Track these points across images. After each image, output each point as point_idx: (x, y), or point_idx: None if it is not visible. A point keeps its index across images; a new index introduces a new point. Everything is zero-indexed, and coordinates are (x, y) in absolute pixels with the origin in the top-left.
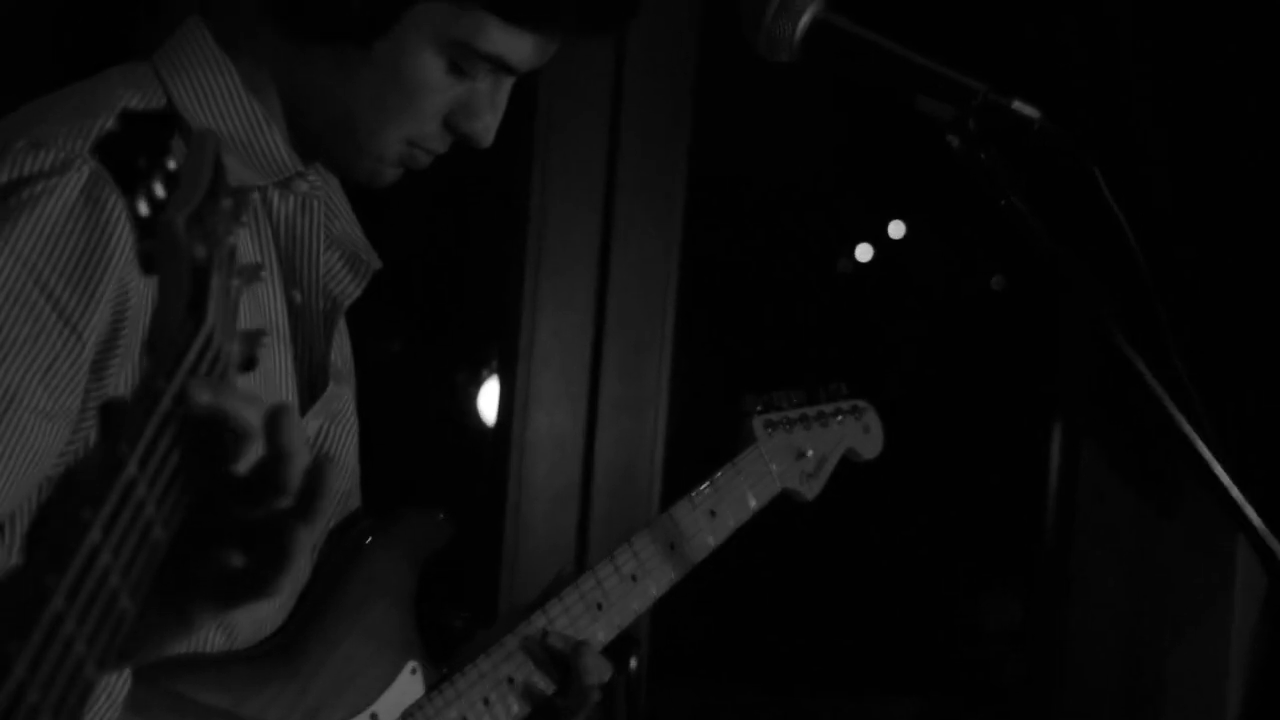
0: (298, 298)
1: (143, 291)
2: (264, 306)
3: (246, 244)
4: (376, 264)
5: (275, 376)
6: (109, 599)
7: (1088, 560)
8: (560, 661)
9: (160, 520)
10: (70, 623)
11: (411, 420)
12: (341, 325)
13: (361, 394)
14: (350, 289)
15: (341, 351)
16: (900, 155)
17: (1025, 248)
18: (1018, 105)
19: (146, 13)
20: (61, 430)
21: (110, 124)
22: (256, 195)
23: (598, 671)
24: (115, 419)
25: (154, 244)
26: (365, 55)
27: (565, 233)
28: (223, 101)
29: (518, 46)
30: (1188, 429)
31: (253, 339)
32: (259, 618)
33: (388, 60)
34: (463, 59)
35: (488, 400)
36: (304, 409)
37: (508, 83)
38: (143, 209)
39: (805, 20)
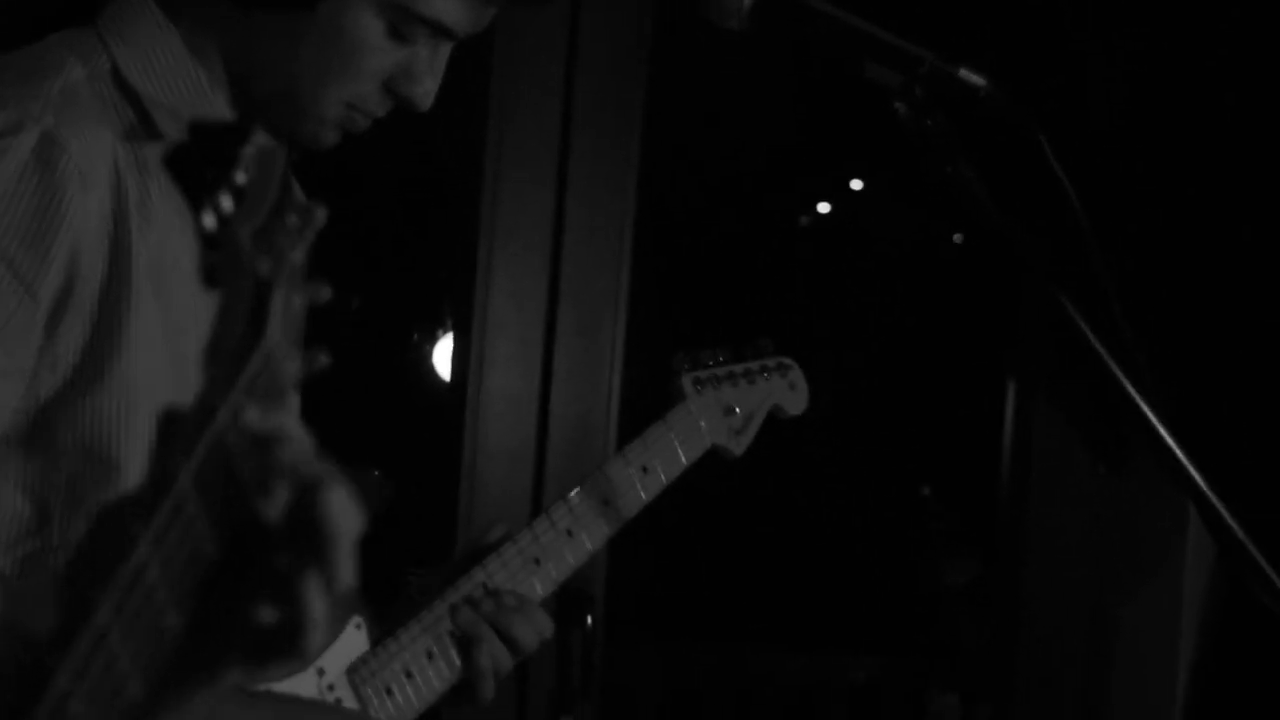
0: None
1: (95, 249)
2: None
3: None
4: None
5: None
6: (154, 614)
7: (1043, 518)
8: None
9: (207, 539)
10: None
11: (368, 379)
12: None
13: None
14: None
15: None
16: (860, 112)
17: (970, 213)
18: (964, 73)
19: None
20: (16, 387)
21: (59, 86)
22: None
23: (538, 628)
24: (172, 431)
25: (218, 257)
26: (307, 19)
27: (520, 194)
28: (165, 66)
29: (456, 10)
30: (1132, 392)
31: (312, 359)
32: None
33: (329, 23)
34: (402, 22)
35: (442, 357)
36: None
37: (446, 48)
38: (208, 222)
39: None
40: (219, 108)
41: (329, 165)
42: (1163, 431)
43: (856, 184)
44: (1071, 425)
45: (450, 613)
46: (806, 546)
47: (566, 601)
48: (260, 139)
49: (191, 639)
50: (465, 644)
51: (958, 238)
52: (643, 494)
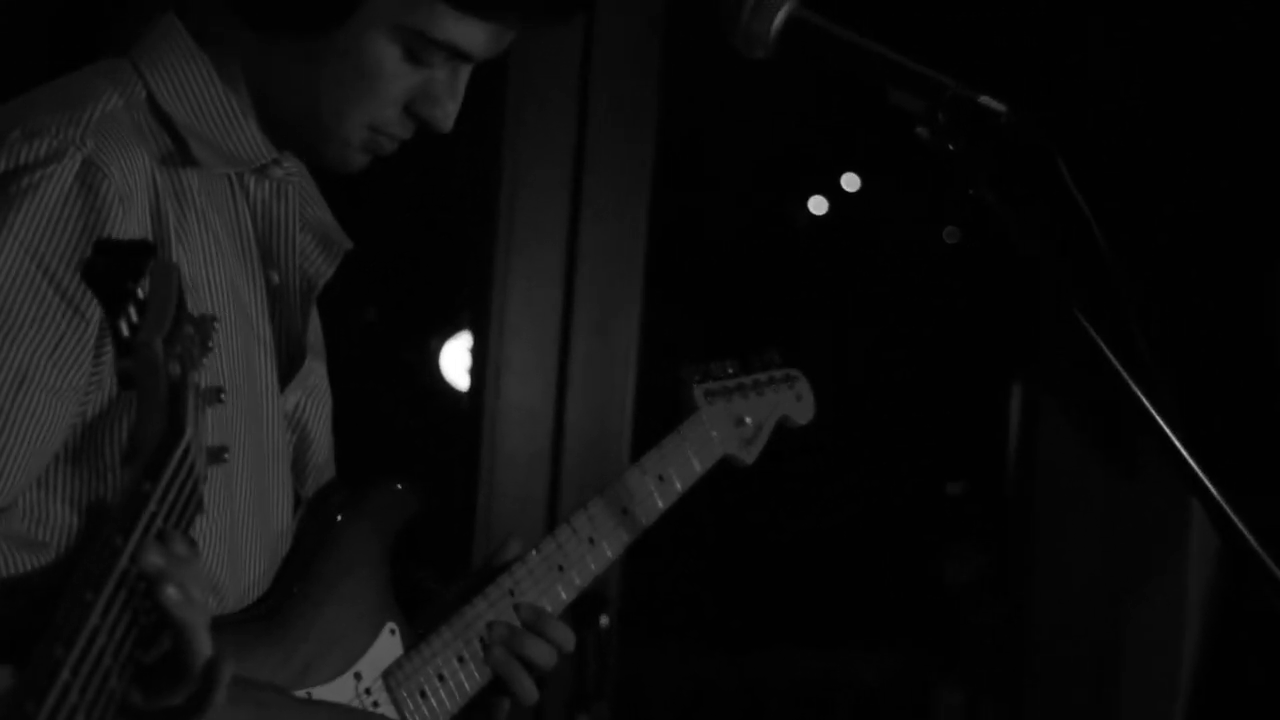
0: (275, 279)
1: None
2: (244, 288)
3: (227, 234)
4: (347, 244)
5: (255, 354)
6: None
7: (1049, 516)
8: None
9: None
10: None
11: (385, 388)
12: (313, 304)
13: (338, 364)
14: (324, 269)
15: (314, 328)
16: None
17: (991, 234)
18: (985, 99)
19: (119, 11)
20: (70, 407)
21: (98, 113)
22: (239, 179)
23: (562, 640)
24: (99, 521)
25: (132, 363)
26: (326, 44)
27: (536, 205)
28: (199, 93)
29: (471, 35)
30: (1149, 407)
31: (217, 454)
32: (245, 585)
33: (347, 49)
34: (418, 47)
35: (451, 362)
36: (283, 384)
37: (466, 70)
38: (124, 329)
39: (780, 18)
40: (250, 133)
41: (346, 179)
42: (1173, 437)
43: (853, 183)
44: (1078, 427)
45: (485, 629)
46: (814, 546)
47: (582, 603)
48: (160, 254)
49: None
50: (496, 682)
51: (949, 233)
52: (660, 502)
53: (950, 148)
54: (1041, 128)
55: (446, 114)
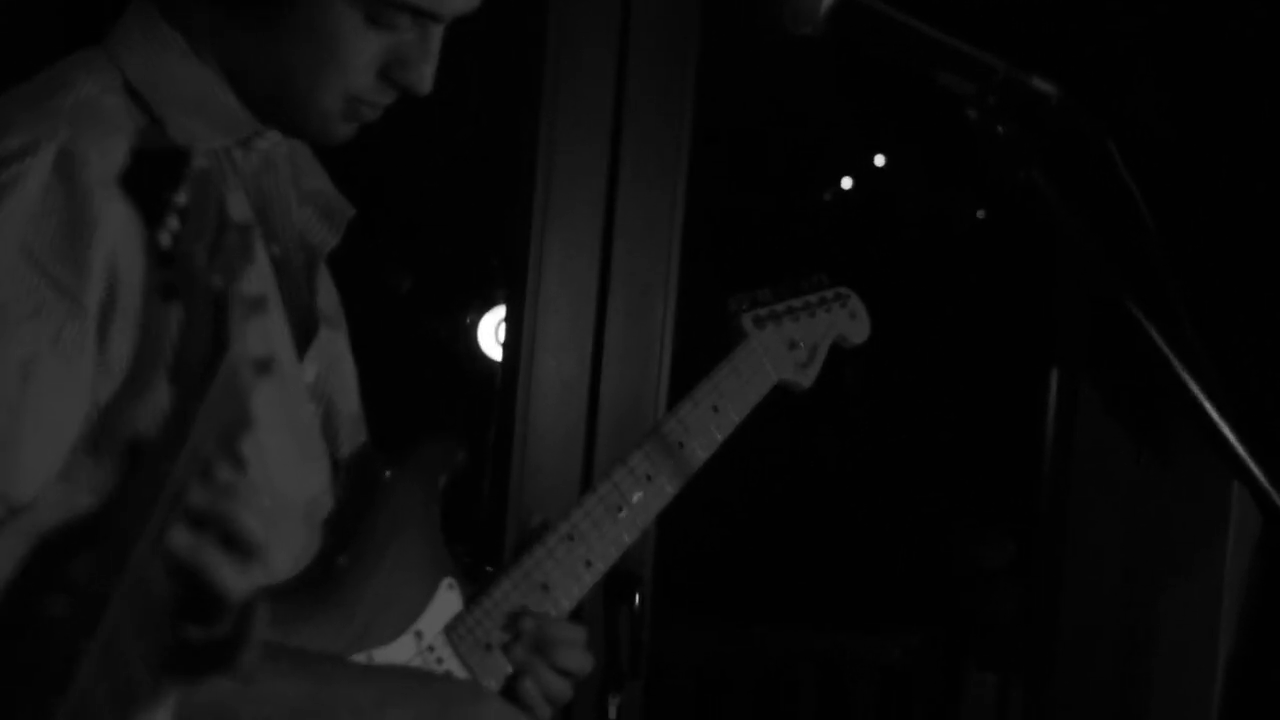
0: (276, 251)
1: (130, 251)
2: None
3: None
4: (350, 211)
5: (267, 328)
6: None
7: (1084, 502)
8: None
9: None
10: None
11: (421, 362)
12: (324, 273)
13: (373, 336)
14: (328, 238)
15: (329, 298)
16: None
17: (1040, 219)
18: (1036, 82)
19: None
20: (80, 396)
21: (71, 102)
22: (226, 154)
23: (576, 638)
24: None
25: (173, 274)
26: (288, 15)
27: (572, 178)
28: (173, 72)
29: None
30: (1198, 394)
31: (265, 365)
32: (295, 553)
33: (307, 18)
34: (376, 10)
35: (486, 334)
36: (300, 355)
37: (437, 30)
38: (164, 240)
39: None
40: (229, 107)
41: (382, 150)
42: (1221, 423)
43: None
44: (1113, 411)
45: (540, 564)
46: (842, 526)
47: (615, 581)
48: (199, 161)
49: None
50: (516, 677)
51: (981, 214)
52: (716, 434)
53: (1000, 130)
54: (1092, 111)
55: (422, 76)
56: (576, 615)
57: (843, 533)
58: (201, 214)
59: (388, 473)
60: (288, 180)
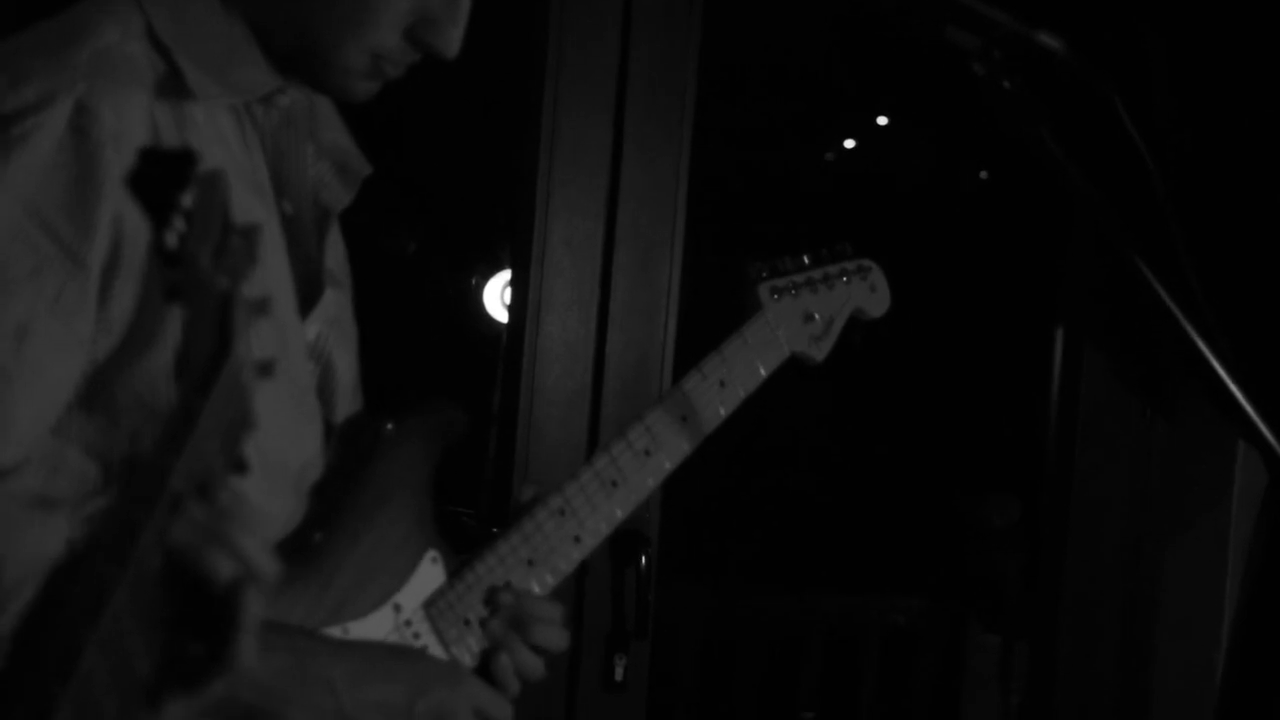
0: (288, 208)
1: (139, 213)
2: (256, 217)
3: (235, 167)
4: (366, 170)
5: (272, 284)
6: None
7: (1089, 463)
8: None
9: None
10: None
11: (426, 324)
12: (335, 232)
13: (378, 298)
14: (342, 196)
15: (336, 258)
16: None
17: (1045, 173)
18: (1042, 37)
19: None
20: (77, 357)
21: (89, 52)
22: (246, 109)
23: (552, 615)
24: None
25: (179, 275)
26: None
27: (577, 139)
28: (200, 23)
29: None
30: (1205, 351)
31: (266, 368)
32: (282, 520)
33: None
34: None
35: (491, 296)
36: (303, 315)
37: None
38: (170, 241)
39: None
40: (253, 62)
41: (387, 111)
42: (1229, 380)
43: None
44: (1118, 370)
45: (528, 539)
46: (847, 489)
47: (622, 542)
48: (205, 163)
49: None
50: (487, 655)
51: (984, 174)
52: (721, 409)
53: (1006, 85)
54: (1099, 66)
55: (449, 39)
56: (581, 574)
57: (848, 496)
58: (207, 216)
59: (381, 438)
60: (305, 136)
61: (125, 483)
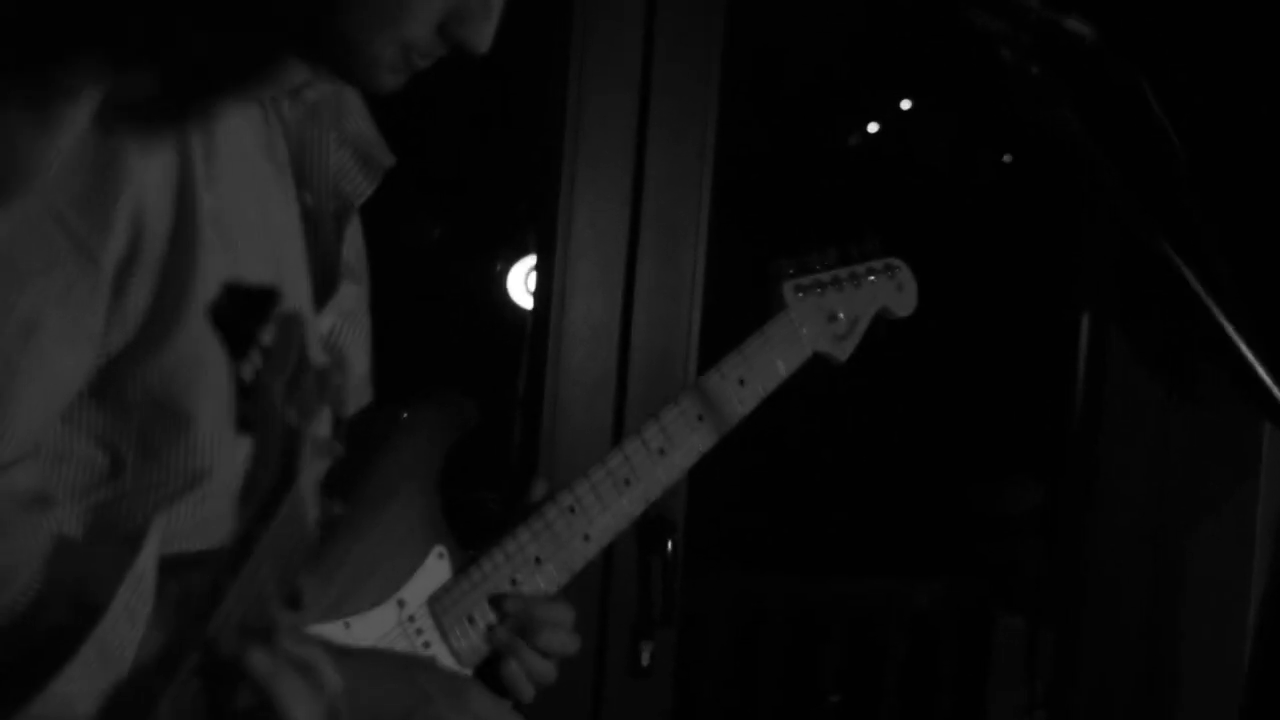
0: (308, 200)
1: (160, 205)
2: (277, 213)
3: (259, 160)
4: (389, 161)
5: (287, 280)
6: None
7: (1114, 445)
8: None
9: None
10: None
11: (451, 307)
12: (355, 226)
13: (403, 285)
14: (363, 187)
15: (355, 251)
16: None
17: (1072, 159)
18: (1071, 22)
19: None
20: (86, 351)
21: (114, 53)
22: (272, 103)
23: (563, 618)
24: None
25: (251, 406)
26: None
27: (602, 124)
28: (232, 20)
29: None
30: (1233, 335)
31: (328, 507)
32: None
33: None
34: None
35: (516, 282)
36: (318, 307)
37: None
38: (246, 374)
39: None
40: (281, 56)
41: (411, 98)
42: (1256, 363)
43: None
44: (1143, 355)
45: (536, 536)
46: (871, 473)
47: (648, 528)
48: (285, 303)
49: None
50: (496, 659)
51: (1008, 158)
52: (740, 407)
53: (1033, 70)
54: (1129, 52)
55: (481, 35)
56: (608, 560)
57: (872, 480)
58: (284, 353)
59: (392, 429)
60: (328, 129)
61: (179, 602)
